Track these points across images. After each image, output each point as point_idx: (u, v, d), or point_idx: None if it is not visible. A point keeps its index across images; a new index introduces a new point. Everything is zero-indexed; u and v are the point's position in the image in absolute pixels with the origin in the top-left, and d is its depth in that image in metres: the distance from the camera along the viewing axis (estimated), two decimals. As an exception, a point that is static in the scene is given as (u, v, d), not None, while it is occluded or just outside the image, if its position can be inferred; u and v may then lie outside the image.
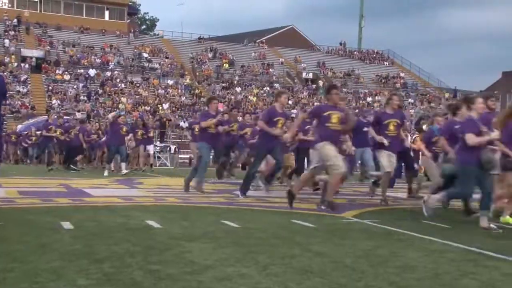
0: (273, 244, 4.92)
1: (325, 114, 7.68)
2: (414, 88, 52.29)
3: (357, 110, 17.74)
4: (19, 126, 26.61)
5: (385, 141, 8.47)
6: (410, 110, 42.73)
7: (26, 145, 24.01)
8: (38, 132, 21.14)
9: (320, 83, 49.26)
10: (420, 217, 6.95)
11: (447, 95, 50.98)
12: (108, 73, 42.41)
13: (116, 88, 40.36)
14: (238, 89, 44.54)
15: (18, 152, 25.51)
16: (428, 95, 50.61)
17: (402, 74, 54.34)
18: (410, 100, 48.82)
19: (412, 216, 7.28)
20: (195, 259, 4.16)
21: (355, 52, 58.33)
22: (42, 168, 18.74)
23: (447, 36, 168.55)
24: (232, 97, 42.89)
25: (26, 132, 24.36)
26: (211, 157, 11.93)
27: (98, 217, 6.29)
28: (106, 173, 15.20)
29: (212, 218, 6.47)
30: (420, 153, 10.57)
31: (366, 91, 48.75)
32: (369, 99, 46.14)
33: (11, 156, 25.22)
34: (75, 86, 39.48)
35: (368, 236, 5.49)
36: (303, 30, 65.59)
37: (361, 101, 44.64)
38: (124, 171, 15.65)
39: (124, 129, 15.96)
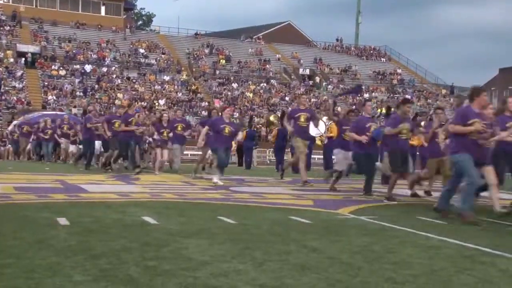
0: (269, 240, 4.92)
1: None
2: (411, 85, 52.35)
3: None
4: (29, 116, 24.94)
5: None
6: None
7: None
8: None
9: (317, 79, 49.27)
10: (416, 214, 6.95)
11: (444, 91, 51.08)
12: (104, 69, 42.30)
13: (112, 84, 40.28)
14: (234, 85, 44.49)
15: (29, 145, 21.80)
16: (425, 92, 50.67)
17: (399, 71, 54.37)
18: (407, 97, 48.88)
19: (409, 213, 7.28)
20: (192, 255, 4.16)
21: (352, 48, 58.30)
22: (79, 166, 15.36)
23: (444, 33, 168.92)
24: (229, 93, 42.87)
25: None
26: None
27: (94, 213, 6.27)
28: (215, 180, 11.10)
29: (209, 214, 6.47)
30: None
31: (363, 87, 48.73)
32: (366, 95, 46.12)
33: (26, 152, 22.02)
34: (71, 82, 39.38)
35: (364, 233, 5.49)
36: (300, 26, 65.57)
37: (358, 98, 44.61)
38: (216, 180, 11.08)
39: (227, 129, 11.28)
